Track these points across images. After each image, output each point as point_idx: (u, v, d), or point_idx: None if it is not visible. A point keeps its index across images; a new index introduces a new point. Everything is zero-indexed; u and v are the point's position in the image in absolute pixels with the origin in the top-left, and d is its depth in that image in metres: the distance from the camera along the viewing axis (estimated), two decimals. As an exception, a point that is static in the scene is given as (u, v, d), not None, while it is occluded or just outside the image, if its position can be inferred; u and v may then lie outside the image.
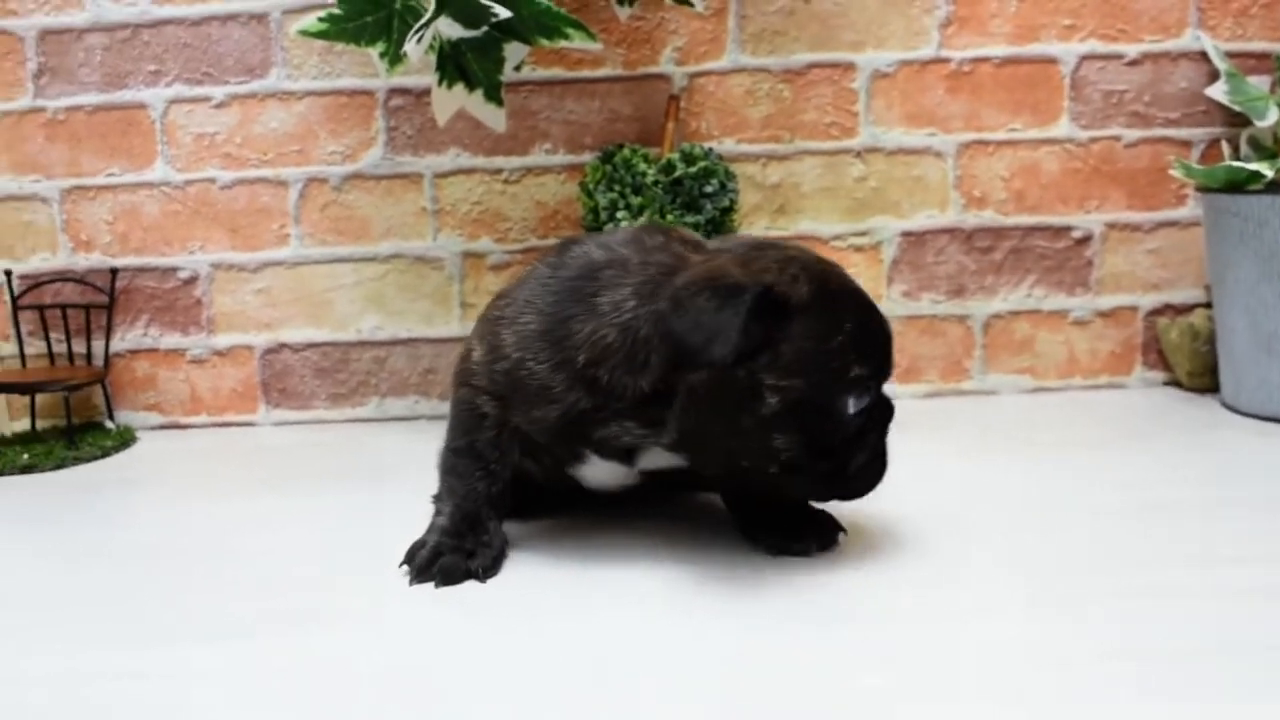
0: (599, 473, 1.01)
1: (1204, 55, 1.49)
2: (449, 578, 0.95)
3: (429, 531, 1.00)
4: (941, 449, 1.29)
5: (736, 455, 0.90)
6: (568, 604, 0.90)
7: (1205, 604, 0.85)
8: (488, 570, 0.96)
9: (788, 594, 0.90)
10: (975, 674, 0.75)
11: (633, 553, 1.01)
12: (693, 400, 0.88)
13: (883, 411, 0.93)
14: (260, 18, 1.49)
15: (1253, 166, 1.31)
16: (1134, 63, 1.49)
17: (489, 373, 0.98)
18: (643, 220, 1.31)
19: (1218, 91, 1.46)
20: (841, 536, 0.99)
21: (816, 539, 0.97)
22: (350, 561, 1.02)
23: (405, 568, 0.96)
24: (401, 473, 1.27)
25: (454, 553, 0.96)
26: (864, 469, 0.92)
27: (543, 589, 0.93)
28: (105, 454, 1.43)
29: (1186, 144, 1.50)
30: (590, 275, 0.93)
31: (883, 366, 0.92)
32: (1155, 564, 0.93)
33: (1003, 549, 0.98)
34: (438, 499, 1.04)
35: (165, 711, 0.75)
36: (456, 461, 1.02)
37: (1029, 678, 0.74)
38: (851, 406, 0.89)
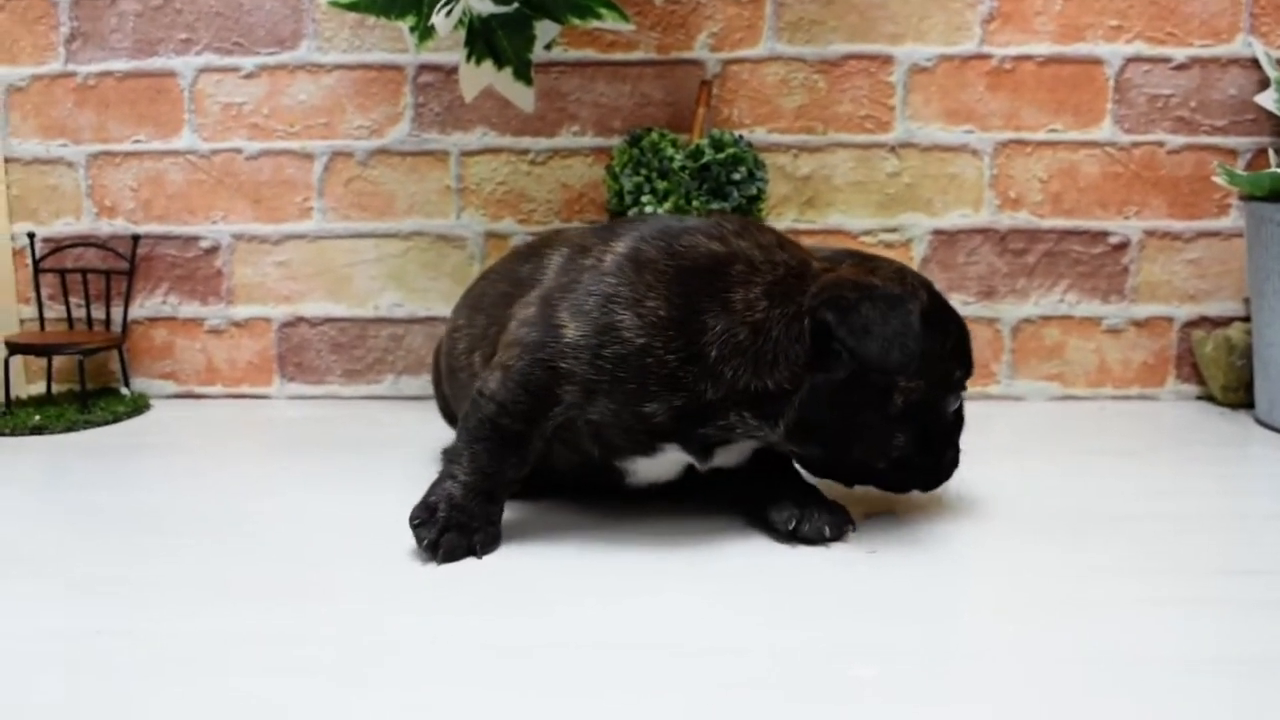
0: (656, 467, 0.99)
1: (1254, 62, 1.45)
2: (450, 556, 0.93)
3: (438, 495, 0.95)
4: (965, 453, 1.25)
5: (849, 449, 0.95)
6: (564, 584, 0.88)
7: (1221, 614, 0.81)
8: (485, 547, 0.94)
9: (792, 583, 0.88)
10: (977, 673, 0.73)
11: (625, 536, 0.98)
12: (817, 397, 0.91)
13: (962, 410, 1.01)
14: (293, -12, 1.48)
15: (1299, 175, 1.27)
16: (1181, 67, 1.45)
17: (592, 358, 0.91)
18: (668, 206, 1.29)
19: (1267, 99, 1.42)
20: (850, 529, 0.98)
21: (830, 527, 0.97)
22: (354, 532, 1.01)
23: (416, 532, 0.94)
24: (412, 451, 1.25)
25: (460, 530, 0.94)
26: (951, 462, 1.01)
27: (540, 567, 0.91)
28: (117, 419, 1.42)
29: (1232, 152, 1.46)
30: (718, 270, 0.93)
31: (971, 369, 1.00)
32: (1173, 573, 0.89)
33: (1019, 552, 0.95)
34: (454, 459, 0.96)
35: (166, 671, 0.74)
36: (495, 438, 0.95)
37: (1034, 680, 0.71)
38: (951, 405, 0.98)
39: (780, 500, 0.98)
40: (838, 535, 0.96)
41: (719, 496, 1.06)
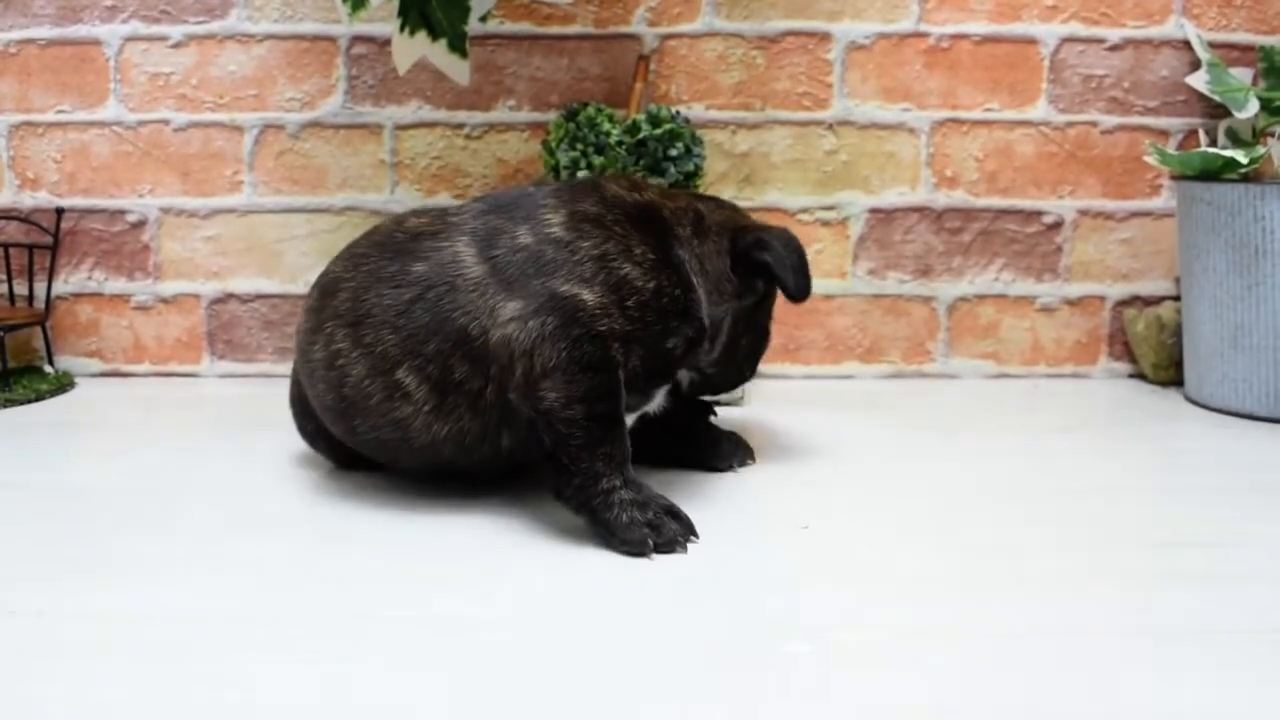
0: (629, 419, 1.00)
1: (1186, 44, 1.46)
2: (692, 532, 0.91)
3: (627, 514, 0.89)
4: (900, 429, 1.26)
5: (743, 365, 1.12)
6: (488, 553, 0.87)
7: (1151, 585, 0.82)
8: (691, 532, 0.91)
9: (718, 561, 0.87)
10: (910, 646, 0.73)
11: (551, 513, 0.98)
12: (735, 322, 1.06)
13: None
14: (222, -44, 1.45)
15: (1228, 153, 1.28)
16: (1115, 48, 1.46)
17: (620, 312, 0.92)
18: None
19: (1198, 81, 1.43)
20: (750, 461, 1.12)
21: (738, 459, 1.11)
22: (283, 511, 0.99)
23: (660, 550, 0.89)
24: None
25: (671, 515, 0.91)
26: None
27: (461, 537, 0.90)
28: (40, 398, 1.38)
29: (1164, 133, 1.47)
30: (652, 214, 1.00)
31: None
32: (1105, 545, 0.90)
33: (948, 526, 0.95)
34: (593, 480, 0.90)
35: (85, 650, 0.72)
36: (603, 429, 0.91)
37: (966, 652, 0.72)
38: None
39: (713, 451, 1.11)
40: (745, 462, 1.12)
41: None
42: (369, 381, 0.96)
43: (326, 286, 1.01)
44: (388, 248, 0.99)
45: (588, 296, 0.92)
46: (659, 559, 0.87)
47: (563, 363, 0.90)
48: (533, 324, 0.91)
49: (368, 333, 0.96)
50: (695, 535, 0.91)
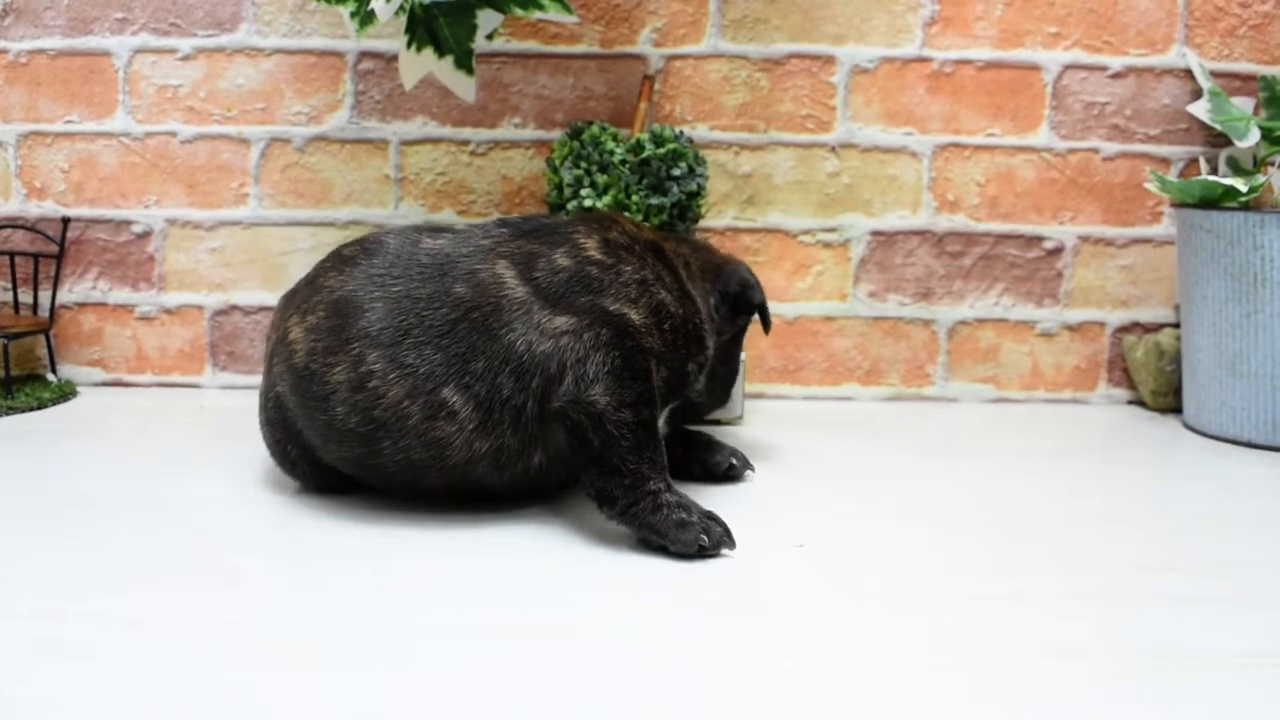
0: None
1: (1188, 73, 1.47)
2: (730, 540, 0.93)
3: (674, 514, 0.92)
4: (898, 451, 1.26)
5: (721, 392, 1.20)
6: (486, 567, 0.87)
7: (1144, 609, 0.82)
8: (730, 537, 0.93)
9: (715, 577, 0.88)
10: (896, 663, 0.73)
11: (540, 531, 0.98)
12: (718, 353, 1.14)
13: None
14: (232, -29, 1.46)
15: (1228, 182, 1.29)
16: (1118, 75, 1.47)
17: (659, 334, 0.99)
18: (607, 200, 1.28)
19: (1199, 109, 1.44)
20: (750, 470, 1.16)
21: (747, 468, 1.15)
22: (278, 520, 0.99)
23: (705, 552, 0.91)
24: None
25: (711, 519, 0.93)
26: None
27: (463, 554, 0.91)
28: (42, 406, 1.39)
29: (1165, 161, 1.48)
30: (661, 250, 1.08)
31: None
32: (1099, 569, 0.90)
33: (944, 547, 0.95)
34: (639, 482, 0.93)
35: (81, 654, 0.72)
36: (651, 434, 0.94)
37: (959, 672, 0.72)
38: None
39: (712, 448, 1.14)
40: (750, 468, 1.15)
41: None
42: (408, 402, 0.95)
43: (341, 307, 0.98)
44: (413, 269, 0.99)
45: (634, 316, 0.97)
46: (651, 564, 0.88)
47: (616, 369, 0.94)
48: (587, 336, 0.95)
49: (409, 353, 0.95)
50: (734, 543, 0.93)
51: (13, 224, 1.48)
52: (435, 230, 1.04)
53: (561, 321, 0.96)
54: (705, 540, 0.91)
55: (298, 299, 1.03)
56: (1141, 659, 0.75)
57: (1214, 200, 1.32)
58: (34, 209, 1.49)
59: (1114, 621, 0.81)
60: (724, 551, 0.92)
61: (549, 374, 0.95)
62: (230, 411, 1.39)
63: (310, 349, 0.99)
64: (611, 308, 0.97)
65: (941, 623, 0.80)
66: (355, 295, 0.98)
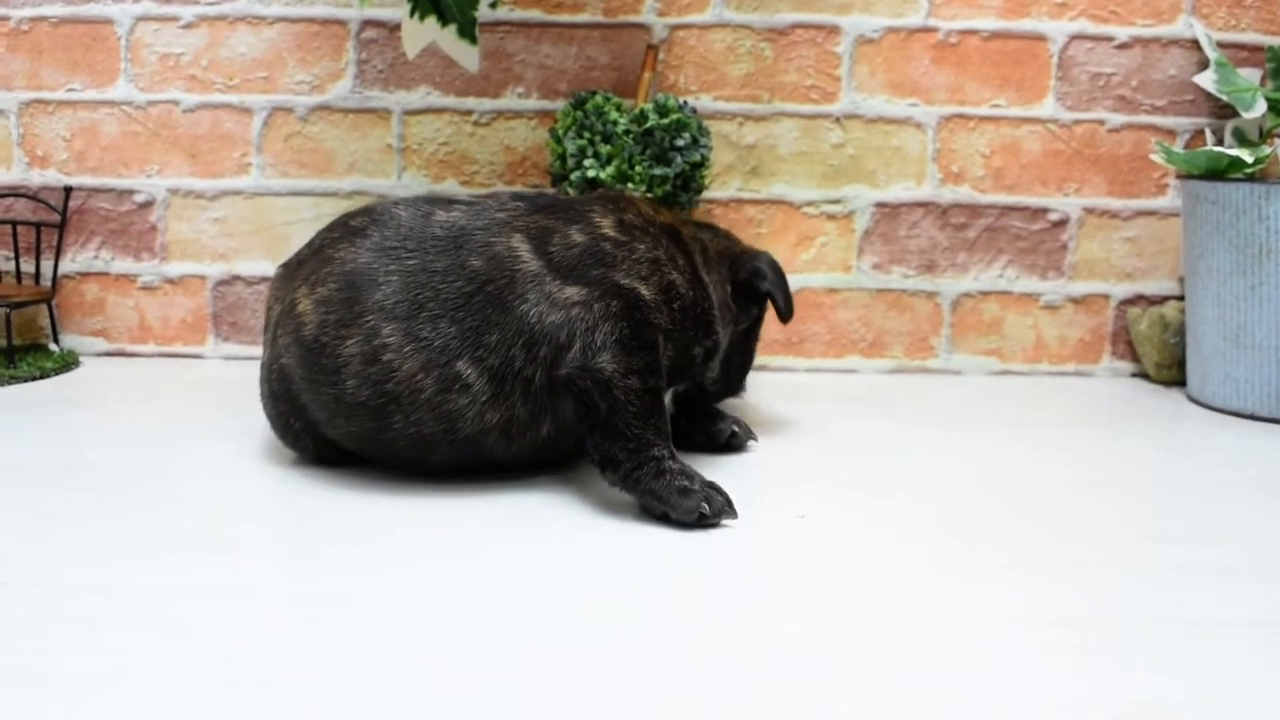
0: None
1: (1195, 44, 1.46)
2: (730, 510, 0.93)
3: (676, 480, 0.92)
4: (901, 423, 1.26)
5: (737, 377, 1.20)
6: (488, 537, 0.88)
7: (1148, 578, 0.82)
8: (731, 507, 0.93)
9: (717, 546, 0.88)
10: (898, 633, 0.73)
11: (545, 501, 0.98)
12: (733, 341, 1.15)
13: None
14: (234, -62, 1.45)
15: (1234, 153, 1.28)
16: (1124, 46, 1.46)
17: (667, 311, 1.00)
18: (610, 170, 1.28)
19: (1206, 80, 1.43)
20: (752, 439, 1.17)
21: (740, 428, 1.15)
22: (281, 491, 0.99)
23: (704, 520, 0.91)
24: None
25: (712, 488, 0.93)
26: None
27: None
28: (44, 375, 1.39)
29: (1171, 132, 1.47)
30: (677, 237, 1.09)
31: None
32: (1096, 538, 0.90)
33: (946, 517, 0.95)
34: (643, 448, 0.93)
35: (82, 623, 0.72)
36: (656, 403, 0.95)
37: (966, 642, 0.72)
38: None
39: (715, 417, 1.15)
40: (752, 438, 1.16)
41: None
42: (422, 375, 0.94)
43: (354, 279, 0.97)
44: (428, 241, 0.98)
45: (645, 291, 0.99)
46: (653, 533, 0.88)
47: (624, 338, 0.95)
48: (597, 306, 0.96)
49: (424, 326, 0.95)
50: (735, 512, 0.93)
51: (14, 193, 1.48)
52: (447, 202, 1.03)
53: (572, 292, 0.96)
54: (706, 509, 0.91)
55: (305, 270, 1.01)
56: (1145, 628, 0.75)
57: (1220, 172, 1.32)
58: (36, 178, 1.49)
59: (1118, 591, 0.81)
60: (725, 521, 0.92)
61: (558, 343, 0.95)
62: (232, 382, 1.39)
63: (321, 321, 0.97)
64: (623, 281, 0.98)
65: (944, 592, 0.80)
66: (369, 267, 0.97)
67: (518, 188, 1.46)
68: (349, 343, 0.96)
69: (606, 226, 1.02)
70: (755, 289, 1.15)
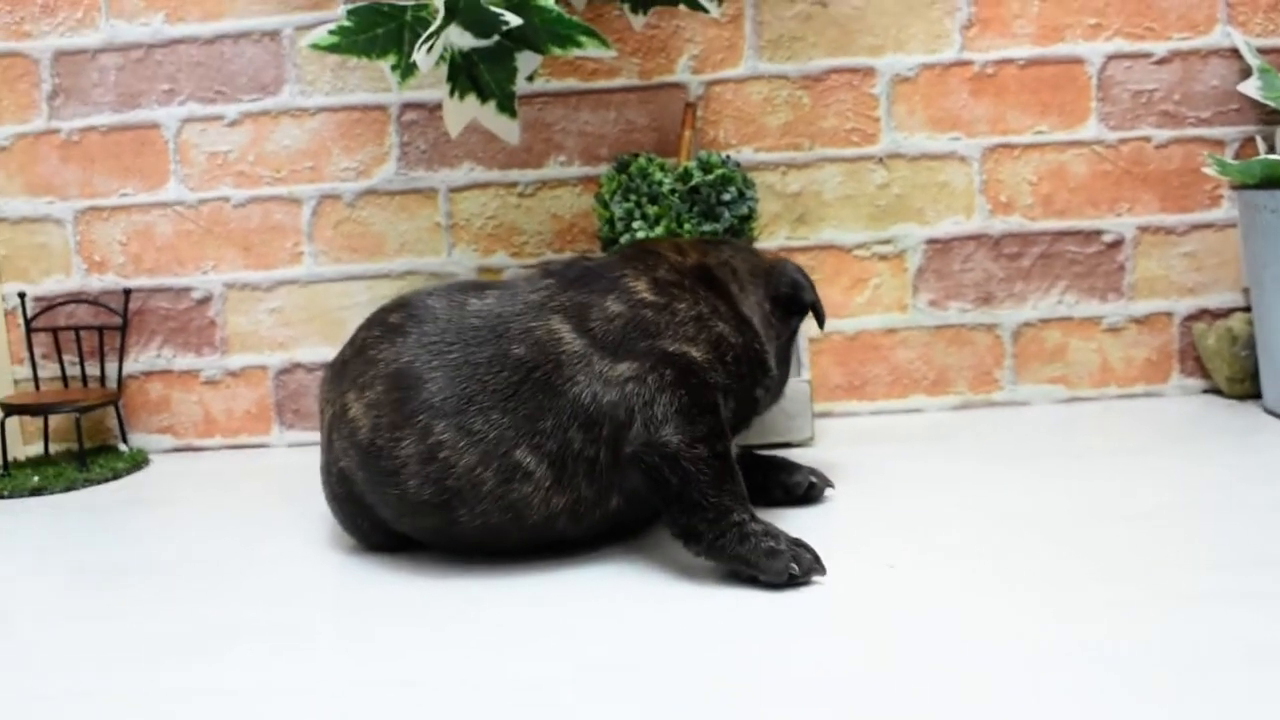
0: None
1: (1235, 52, 1.45)
2: (820, 567, 0.92)
3: (762, 542, 0.90)
4: (972, 459, 1.25)
5: (781, 384, 1.15)
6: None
7: (1240, 607, 0.80)
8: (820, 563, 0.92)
9: (810, 605, 0.87)
10: (1002, 675, 0.71)
11: (620, 573, 0.97)
12: (777, 357, 1.11)
13: None
14: (273, 35, 1.48)
15: (1290, 161, 1.27)
16: (1162, 61, 1.45)
17: (723, 367, 0.99)
18: (660, 230, 1.28)
19: (1250, 88, 1.42)
20: (829, 486, 1.15)
21: (815, 477, 1.13)
22: (354, 574, 0.99)
23: (796, 580, 0.90)
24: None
25: (800, 546, 0.92)
26: None
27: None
28: (116, 476, 1.41)
29: (1219, 143, 1.46)
30: (709, 275, 1.07)
31: None
32: (1189, 568, 0.88)
33: (1035, 556, 0.93)
34: (722, 515, 0.91)
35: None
36: (728, 466, 0.93)
37: (1055, 680, 0.70)
38: None
39: (789, 469, 1.13)
40: (829, 485, 1.14)
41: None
42: (481, 468, 0.94)
43: (400, 379, 0.97)
44: (467, 333, 0.98)
45: (696, 354, 0.97)
46: (743, 596, 0.87)
47: (684, 407, 0.93)
48: (651, 379, 0.94)
49: (475, 420, 0.94)
50: (824, 568, 0.91)
51: (76, 299, 1.51)
52: (478, 288, 1.03)
53: (624, 368, 0.95)
54: (795, 569, 0.89)
55: (351, 371, 1.02)
56: (1240, 659, 0.72)
57: (1276, 180, 1.30)
58: (95, 283, 1.52)
59: (1212, 624, 0.78)
60: (814, 579, 0.91)
61: (618, 421, 0.94)
62: (299, 468, 1.40)
63: (374, 424, 0.97)
64: (671, 348, 0.97)
65: (1033, 633, 0.78)
66: (413, 366, 0.97)
67: (567, 254, 1.47)
68: (404, 444, 0.96)
69: (642, 290, 1.01)
70: (798, 302, 1.13)
